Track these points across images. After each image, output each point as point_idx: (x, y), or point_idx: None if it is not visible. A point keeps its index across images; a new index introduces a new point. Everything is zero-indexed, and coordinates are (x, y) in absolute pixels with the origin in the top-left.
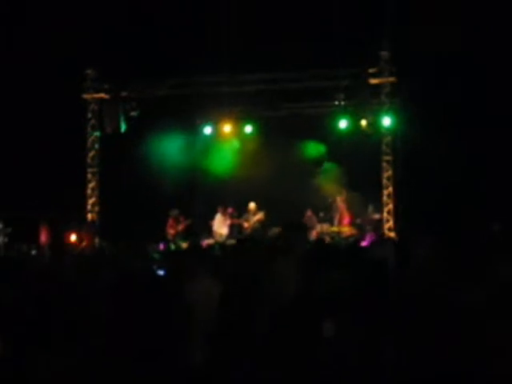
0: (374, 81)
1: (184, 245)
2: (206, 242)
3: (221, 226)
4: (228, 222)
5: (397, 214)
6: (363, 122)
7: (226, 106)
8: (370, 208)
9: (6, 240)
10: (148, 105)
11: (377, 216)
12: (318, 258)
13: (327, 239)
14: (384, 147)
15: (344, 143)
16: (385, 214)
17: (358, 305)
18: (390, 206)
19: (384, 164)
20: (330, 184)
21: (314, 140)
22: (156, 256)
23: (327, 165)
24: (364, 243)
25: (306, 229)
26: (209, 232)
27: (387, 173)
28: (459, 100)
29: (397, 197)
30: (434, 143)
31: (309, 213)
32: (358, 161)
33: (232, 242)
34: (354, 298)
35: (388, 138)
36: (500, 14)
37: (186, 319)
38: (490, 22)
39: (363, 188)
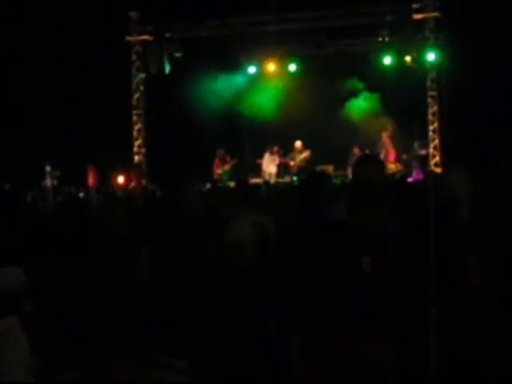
0: (417, 16)
1: (231, 184)
2: (254, 180)
3: (269, 164)
4: (277, 160)
5: (443, 150)
6: (408, 58)
7: (269, 45)
8: (416, 144)
9: (55, 183)
10: (192, 46)
11: (423, 152)
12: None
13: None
14: (429, 83)
15: (389, 79)
16: (431, 150)
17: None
18: (436, 142)
19: (429, 99)
20: (375, 118)
21: (355, 76)
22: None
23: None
24: (411, 179)
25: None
26: (256, 171)
27: (432, 108)
28: (504, 35)
29: (443, 132)
30: (478, 78)
31: (355, 150)
32: (403, 97)
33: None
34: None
35: (433, 74)
36: None
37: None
38: None
39: (409, 124)
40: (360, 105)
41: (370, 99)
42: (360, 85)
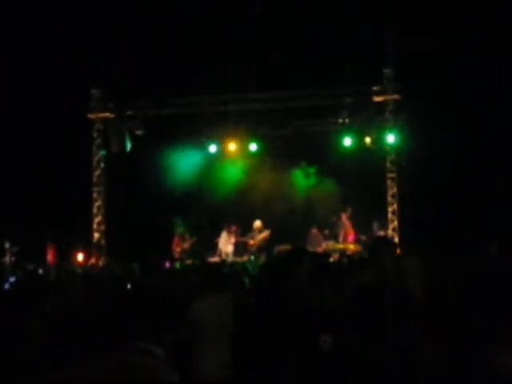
0: (378, 98)
1: (189, 262)
2: (211, 259)
3: (226, 244)
4: (233, 239)
5: (402, 231)
6: (367, 140)
7: (231, 125)
8: (375, 225)
9: (14, 259)
10: (153, 124)
11: (382, 233)
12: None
13: (335, 256)
14: (388, 164)
15: (349, 161)
16: (390, 231)
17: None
18: (395, 223)
19: (388, 181)
20: (332, 201)
21: (318, 163)
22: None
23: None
24: None
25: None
26: (214, 250)
27: (392, 190)
28: (464, 117)
29: (401, 214)
30: (438, 160)
31: (314, 230)
32: (362, 178)
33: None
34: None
35: (392, 156)
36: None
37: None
38: (492, 34)
39: (368, 205)
40: (319, 185)
41: (329, 180)
42: (318, 166)
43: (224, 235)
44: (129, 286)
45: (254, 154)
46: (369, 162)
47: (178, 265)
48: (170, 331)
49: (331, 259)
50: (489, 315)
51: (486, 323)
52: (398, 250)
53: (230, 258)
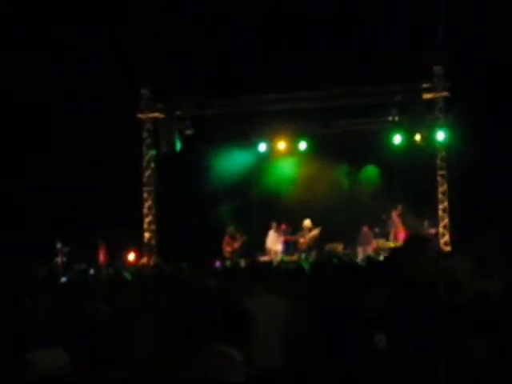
0: (427, 96)
1: (241, 262)
2: (262, 258)
3: (274, 242)
4: (281, 238)
5: (453, 229)
6: (417, 137)
7: (280, 124)
8: (426, 223)
9: (65, 259)
10: (202, 123)
11: (433, 231)
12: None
13: (385, 254)
14: (439, 162)
15: (399, 158)
16: (441, 229)
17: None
18: (446, 221)
19: (439, 178)
20: (382, 199)
21: (368, 160)
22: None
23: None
24: None
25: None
26: (264, 249)
27: (442, 187)
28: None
29: (452, 211)
30: (488, 158)
31: (365, 228)
32: (412, 176)
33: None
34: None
35: (442, 153)
36: None
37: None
38: None
39: (418, 203)
40: (369, 183)
41: (379, 178)
42: (368, 164)
43: (272, 234)
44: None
45: (303, 153)
46: (419, 159)
47: (228, 264)
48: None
49: (381, 257)
50: None
51: None
52: (447, 248)
53: (279, 257)
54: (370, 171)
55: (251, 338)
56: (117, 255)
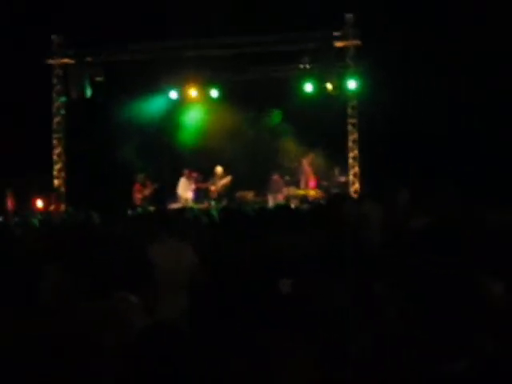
0: (339, 44)
1: (151, 209)
2: (173, 205)
3: (185, 190)
4: (193, 186)
5: (362, 177)
6: (329, 86)
7: (191, 71)
8: (336, 170)
9: None
10: (113, 70)
11: (343, 179)
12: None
13: (295, 202)
14: (349, 110)
15: (310, 106)
16: (350, 177)
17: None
18: (356, 169)
19: (349, 127)
20: (294, 146)
21: (279, 108)
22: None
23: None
24: None
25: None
26: (175, 196)
27: (353, 136)
28: (423, 64)
29: (362, 160)
30: (398, 106)
31: (275, 176)
32: (323, 124)
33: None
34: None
35: (354, 101)
36: None
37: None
38: None
39: (329, 151)
40: (280, 131)
41: (290, 126)
42: (279, 112)
43: (183, 181)
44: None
45: (215, 100)
46: (330, 107)
47: (139, 211)
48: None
49: (292, 205)
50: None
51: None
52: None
53: (190, 204)
54: (282, 119)
55: (153, 286)
56: (25, 203)
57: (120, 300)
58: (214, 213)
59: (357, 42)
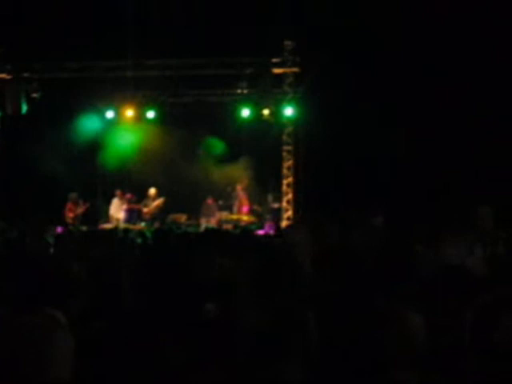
0: (277, 70)
1: (83, 228)
2: (104, 226)
3: (117, 210)
4: (125, 206)
5: (296, 204)
6: (266, 112)
7: (128, 91)
8: (270, 197)
9: None
10: (50, 87)
11: (276, 205)
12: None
13: (228, 227)
14: (285, 137)
15: (246, 132)
16: (284, 204)
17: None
18: (290, 196)
19: (284, 154)
20: (228, 171)
21: (215, 135)
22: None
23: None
24: (262, 232)
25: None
26: (107, 217)
27: (287, 162)
28: (362, 92)
29: (296, 187)
30: (334, 134)
31: (209, 200)
32: (259, 150)
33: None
34: (245, 281)
35: (290, 128)
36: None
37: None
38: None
39: (264, 177)
40: (215, 156)
41: (226, 151)
42: (215, 137)
43: (116, 201)
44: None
45: (151, 122)
46: (266, 134)
47: (71, 229)
48: (73, 298)
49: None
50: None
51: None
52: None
53: (122, 225)
54: (217, 143)
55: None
56: None
57: (45, 316)
58: (148, 234)
59: (295, 69)
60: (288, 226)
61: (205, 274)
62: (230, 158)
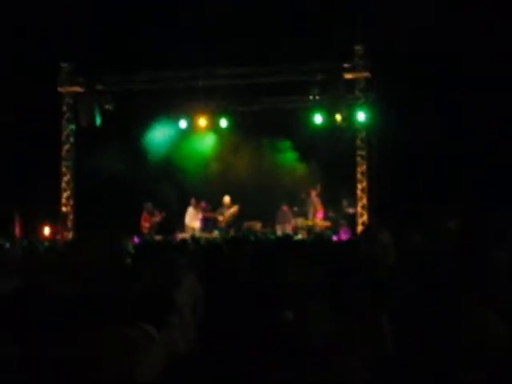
0: (348, 76)
1: (158, 238)
2: (181, 235)
3: (193, 219)
4: (200, 215)
5: (371, 209)
6: (338, 117)
7: (201, 100)
8: (345, 202)
9: None
10: (123, 98)
11: (351, 210)
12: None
13: (303, 233)
14: (358, 142)
15: (319, 138)
16: (359, 209)
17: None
18: (364, 201)
19: (358, 159)
20: (302, 178)
21: (284, 135)
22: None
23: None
24: (337, 237)
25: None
26: (182, 226)
27: (361, 167)
28: (433, 96)
29: (371, 191)
30: (407, 138)
31: (284, 207)
32: (332, 155)
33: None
34: (319, 289)
35: (362, 133)
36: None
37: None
38: (462, 14)
39: (338, 182)
40: (289, 162)
41: (299, 157)
42: (288, 143)
43: (191, 210)
44: None
45: (224, 130)
46: (339, 139)
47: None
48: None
49: (300, 236)
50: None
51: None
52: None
53: (197, 234)
54: (291, 150)
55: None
56: (32, 229)
57: (140, 330)
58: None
59: (366, 74)
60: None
61: (278, 281)
62: (303, 163)
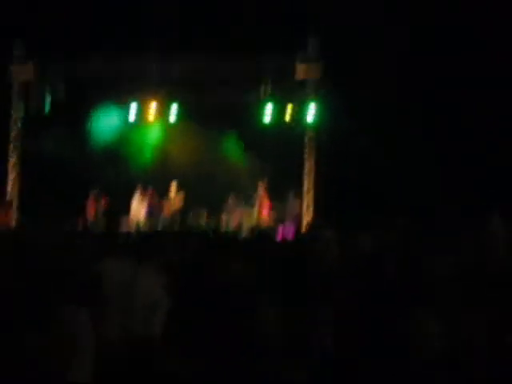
0: (300, 74)
1: (103, 222)
2: (125, 220)
3: (138, 206)
4: (146, 202)
5: (316, 207)
6: (288, 112)
7: (150, 88)
8: (291, 195)
9: None
10: (73, 85)
11: (296, 205)
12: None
13: (248, 228)
14: (307, 137)
15: (268, 133)
16: (304, 206)
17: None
18: (310, 197)
19: (305, 155)
20: (250, 171)
21: (237, 131)
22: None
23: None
24: (282, 234)
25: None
26: (128, 211)
27: (309, 162)
28: (383, 96)
29: (317, 188)
30: (356, 138)
31: (231, 198)
32: (281, 150)
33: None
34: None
35: (312, 129)
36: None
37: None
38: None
39: (285, 178)
40: (238, 154)
41: (248, 150)
42: (236, 135)
43: (137, 197)
44: None
45: (175, 118)
46: (288, 134)
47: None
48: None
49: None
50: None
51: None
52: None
53: (142, 221)
54: (239, 142)
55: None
56: None
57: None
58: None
59: (317, 74)
60: (311, 227)
61: (218, 277)
62: (251, 156)
